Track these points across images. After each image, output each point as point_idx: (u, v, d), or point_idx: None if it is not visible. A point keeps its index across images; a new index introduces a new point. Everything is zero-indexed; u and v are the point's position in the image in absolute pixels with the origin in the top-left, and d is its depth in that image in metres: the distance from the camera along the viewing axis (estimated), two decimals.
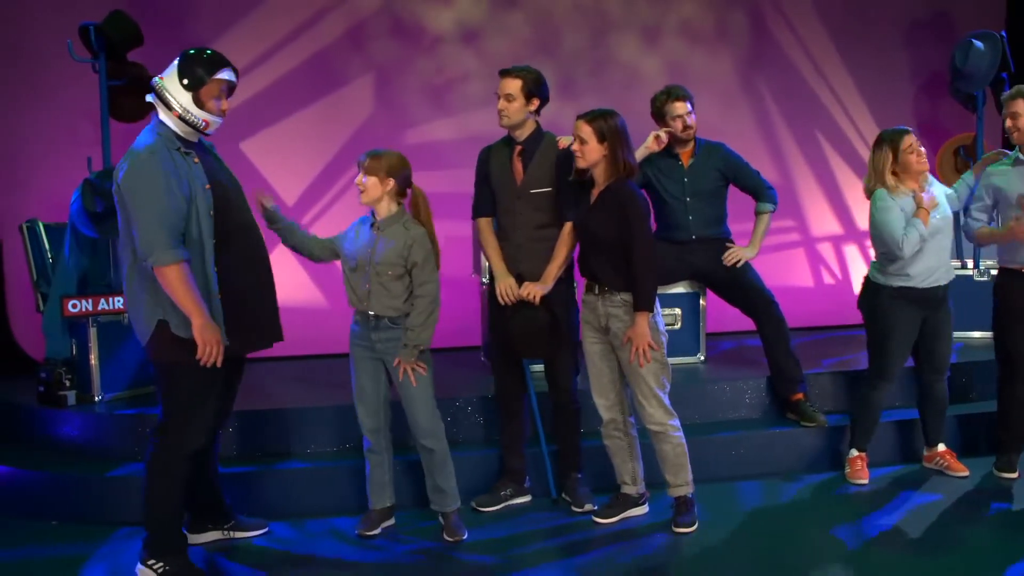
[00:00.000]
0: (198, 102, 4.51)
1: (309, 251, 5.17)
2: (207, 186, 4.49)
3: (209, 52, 4.60)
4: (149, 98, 4.57)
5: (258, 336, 4.75)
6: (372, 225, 4.98)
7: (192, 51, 4.59)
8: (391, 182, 4.92)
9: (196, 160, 4.51)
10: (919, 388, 5.92)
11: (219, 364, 4.42)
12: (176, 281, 4.32)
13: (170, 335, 4.43)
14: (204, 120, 4.54)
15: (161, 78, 4.56)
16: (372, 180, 4.90)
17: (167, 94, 4.51)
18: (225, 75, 4.58)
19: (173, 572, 4.58)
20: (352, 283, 5.01)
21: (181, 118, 4.51)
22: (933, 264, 5.53)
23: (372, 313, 4.96)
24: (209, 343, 4.37)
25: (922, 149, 5.50)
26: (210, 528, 5.12)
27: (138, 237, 4.33)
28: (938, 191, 5.64)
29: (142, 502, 4.60)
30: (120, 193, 4.38)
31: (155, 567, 4.58)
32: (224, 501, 5.14)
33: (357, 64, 7.73)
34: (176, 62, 4.56)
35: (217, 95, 4.56)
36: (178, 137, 4.53)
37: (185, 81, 4.49)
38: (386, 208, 4.96)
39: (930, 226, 5.46)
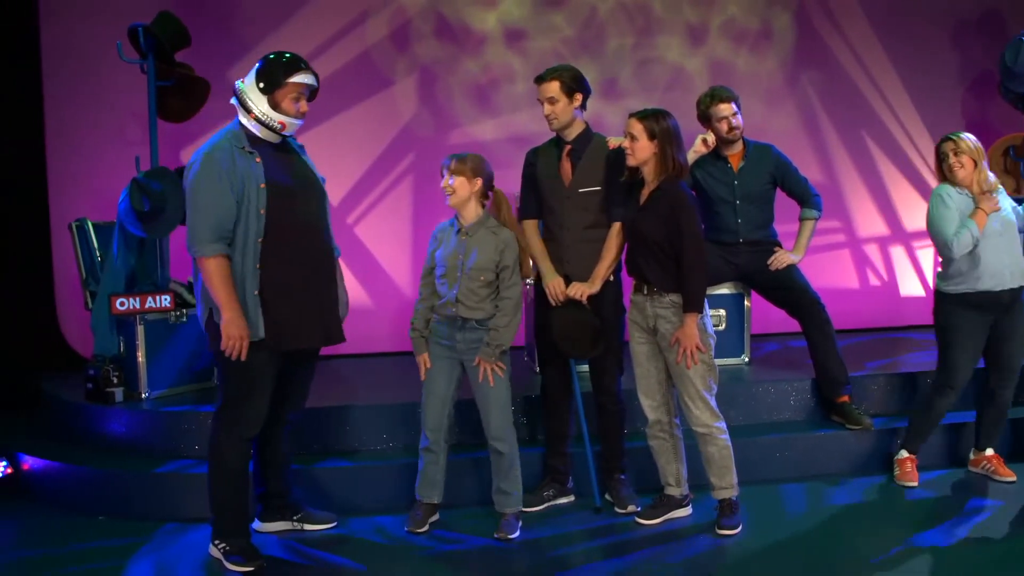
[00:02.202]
0: (274, 104, 4.64)
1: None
2: (262, 185, 4.58)
3: (287, 56, 4.71)
4: (232, 101, 4.72)
5: (304, 334, 4.78)
6: (459, 231, 5.01)
7: (271, 55, 4.72)
8: (479, 182, 4.98)
9: (258, 160, 4.61)
10: (983, 390, 5.85)
11: (243, 358, 4.54)
12: (212, 273, 4.51)
13: (216, 325, 4.58)
14: (280, 122, 4.67)
15: (242, 81, 4.70)
16: (460, 180, 4.94)
17: (246, 97, 4.66)
18: (301, 78, 4.68)
19: (233, 551, 4.77)
20: (440, 288, 5.05)
21: (258, 120, 4.65)
22: (995, 267, 5.47)
23: (460, 316, 4.99)
24: (232, 337, 4.52)
25: (962, 158, 5.47)
26: (279, 518, 5.20)
27: (188, 228, 4.55)
28: (1004, 200, 5.58)
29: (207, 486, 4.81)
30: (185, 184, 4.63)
31: (219, 546, 4.80)
32: (291, 492, 5.23)
33: (402, 64, 7.75)
34: (256, 66, 4.70)
35: (295, 97, 4.68)
36: (251, 137, 4.67)
37: (261, 84, 4.63)
38: (473, 212, 5.01)
39: (986, 229, 5.43)
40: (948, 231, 5.43)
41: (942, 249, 5.50)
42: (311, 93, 4.76)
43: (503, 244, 4.98)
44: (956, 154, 5.48)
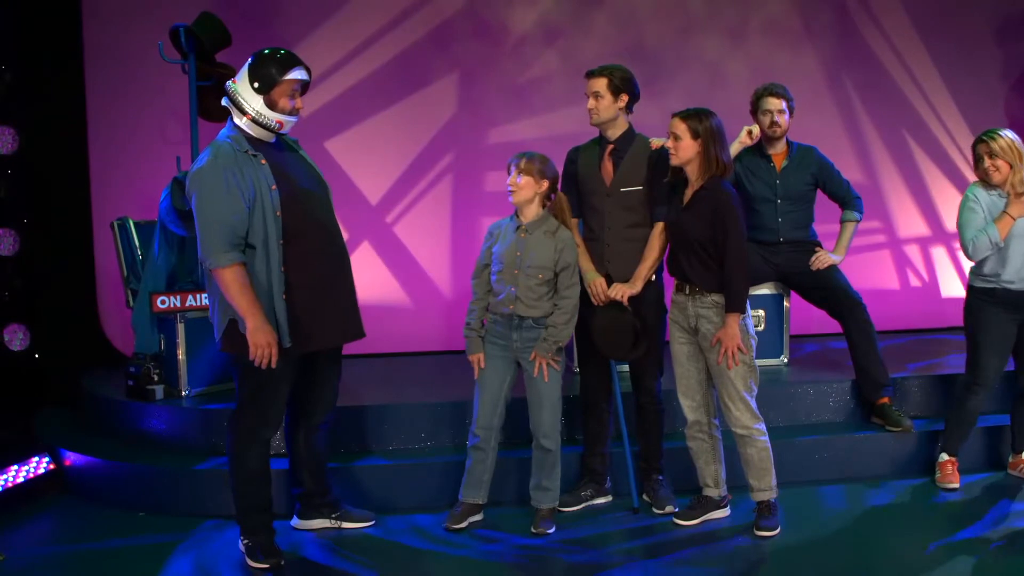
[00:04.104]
0: (270, 103, 4.58)
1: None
2: (273, 187, 4.54)
3: (281, 52, 4.63)
4: (224, 102, 4.65)
5: (328, 333, 4.78)
6: (518, 228, 5.02)
7: (264, 52, 4.63)
8: (545, 184, 5.00)
9: (263, 162, 4.56)
10: (1015, 393, 5.80)
11: (273, 365, 4.50)
12: (230, 283, 4.44)
13: (239, 334, 4.54)
14: (277, 121, 4.61)
15: (234, 82, 4.63)
16: (527, 180, 4.96)
17: (239, 98, 4.59)
18: (296, 75, 4.61)
19: (253, 548, 4.79)
20: (496, 285, 5.06)
21: (254, 121, 4.59)
22: (1019, 268, 5.43)
23: (518, 314, 5.00)
24: (260, 345, 4.46)
25: (997, 162, 5.38)
26: (317, 516, 5.22)
27: (199, 240, 4.47)
28: None
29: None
30: (189, 195, 4.53)
31: (244, 542, 4.82)
32: (330, 491, 5.24)
33: (440, 64, 7.76)
34: (247, 65, 4.62)
35: (290, 94, 4.61)
36: (250, 139, 4.60)
37: (256, 84, 4.56)
38: (534, 211, 5.03)
39: (1014, 231, 5.39)
40: (967, 234, 5.43)
41: (963, 251, 5.51)
42: (304, 88, 4.70)
43: (562, 244, 5.00)
44: (991, 156, 5.40)
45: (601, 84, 5.19)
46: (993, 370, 5.59)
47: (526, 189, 4.97)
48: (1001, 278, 5.45)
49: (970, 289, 5.63)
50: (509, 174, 5.01)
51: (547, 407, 5.09)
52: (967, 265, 5.76)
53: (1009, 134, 5.42)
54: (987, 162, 5.41)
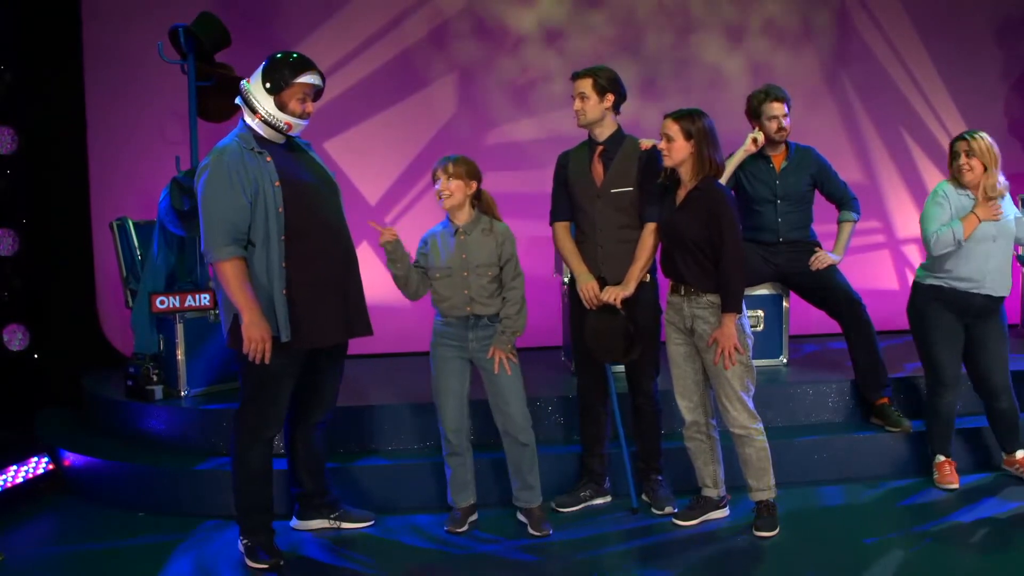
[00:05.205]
0: (280, 105, 4.62)
1: (416, 292, 5.15)
2: (276, 183, 4.57)
3: (294, 56, 4.68)
4: (237, 101, 4.70)
5: (330, 330, 4.80)
6: (456, 232, 5.03)
7: (278, 55, 4.69)
8: (474, 184, 5.03)
9: (268, 159, 4.60)
10: (983, 404, 5.81)
11: (267, 361, 4.53)
12: (229, 277, 4.50)
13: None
14: (286, 123, 4.65)
15: (248, 81, 4.68)
16: (457, 184, 4.98)
17: (252, 97, 4.64)
18: (308, 79, 4.66)
19: (253, 548, 4.80)
20: (444, 291, 5.06)
21: (264, 121, 4.63)
22: (976, 270, 5.44)
23: (475, 314, 5.01)
24: (254, 340, 4.50)
25: (972, 161, 5.40)
26: (316, 516, 5.23)
27: (202, 234, 4.54)
28: (1007, 208, 5.51)
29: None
30: (194, 191, 4.61)
31: (243, 542, 4.82)
32: (329, 492, 5.25)
33: (440, 64, 7.77)
34: (262, 66, 4.67)
35: (301, 98, 4.66)
36: (259, 139, 4.65)
37: (268, 85, 4.61)
38: (466, 213, 5.05)
39: (977, 233, 5.39)
40: (931, 227, 5.43)
41: (925, 244, 5.50)
42: (316, 93, 4.75)
43: (502, 238, 5.04)
44: (968, 155, 5.42)
45: (586, 85, 5.20)
46: (951, 368, 5.60)
47: (457, 193, 5.00)
48: (953, 274, 5.47)
49: (916, 287, 5.66)
50: (436, 181, 5.03)
51: (514, 401, 5.09)
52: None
53: (988, 137, 5.45)
54: (963, 159, 5.43)
